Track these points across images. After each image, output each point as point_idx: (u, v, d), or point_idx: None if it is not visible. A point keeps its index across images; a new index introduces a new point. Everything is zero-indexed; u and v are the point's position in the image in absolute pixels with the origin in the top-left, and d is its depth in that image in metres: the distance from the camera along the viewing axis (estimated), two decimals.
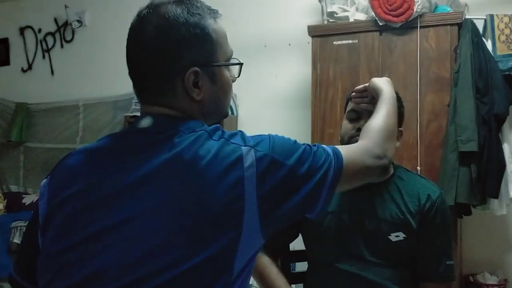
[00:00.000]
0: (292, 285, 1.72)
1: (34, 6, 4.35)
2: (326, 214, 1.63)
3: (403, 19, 2.82)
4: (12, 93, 4.34)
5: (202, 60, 0.98)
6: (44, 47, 4.36)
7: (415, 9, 2.78)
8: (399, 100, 1.67)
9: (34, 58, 4.39)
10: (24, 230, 3.62)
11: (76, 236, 0.91)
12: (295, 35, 3.44)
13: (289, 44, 3.54)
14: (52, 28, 4.32)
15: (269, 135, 0.98)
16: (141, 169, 0.91)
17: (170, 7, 0.97)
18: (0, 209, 4.03)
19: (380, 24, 2.88)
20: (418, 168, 2.73)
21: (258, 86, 3.54)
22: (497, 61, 2.69)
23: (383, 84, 1.42)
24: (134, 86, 1.03)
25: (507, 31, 2.74)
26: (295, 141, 1.01)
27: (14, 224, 3.77)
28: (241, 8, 3.64)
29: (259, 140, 0.96)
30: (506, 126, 2.77)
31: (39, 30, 4.36)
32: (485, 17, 2.81)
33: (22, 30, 4.42)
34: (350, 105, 1.66)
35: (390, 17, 2.84)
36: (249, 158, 0.91)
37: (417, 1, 2.78)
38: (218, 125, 1.00)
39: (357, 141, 1.21)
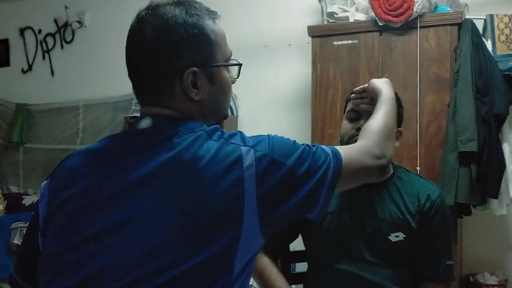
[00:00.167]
0: (292, 286, 1.72)
1: (34, 7, 4.35)
2: (326, 214, 1.63)
3: (403, 19, 2.82)
4: (12, 94, 4.34)
5: (201, 60, 0.98)
6: (44, 48, 4.36)
7: (415, 9, 2.78)
8: (398, 100, 1.67)
9: (34, 59, 4.39)
10: (24, 231, 3.64)
11: (76, 237, 0.91)
12: (295, 36, 3.44)
13: (289, 45, 3.54)
14: (52, 29, 4.32)
15: (269, 136, 0.98)
16: (141, 170, 0.92)
17: (168, 8, 0.98)
18: (0, 210, 4.03)
19: (380, 24, 2.88)
20: (418, 168, 2.73)
21: (258, 87, 3.54)
22: (497, 61, 2.69)
23: (382, 85, 1.42)
24: (134, 87, 1.03)
25: (507, 31, 2.74)
26: (295, 141, 1.01)
27: (14, 225, 3.78)
28: (241, 8, 3.64)
29: (258, 140, 0.96)
30: (506, 126, 2.77)
31: (39, 31, 4.36)
32: (485, 17, 2.81)
33: (22, 31, 4.42)
34: (350, 105, 1.66)
35: (390, 17, 2.84)
36: (249, 158, 0.92)
37: (417, 1, 2.78)
38: (217, 125, 1.00)
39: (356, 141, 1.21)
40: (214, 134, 0.96)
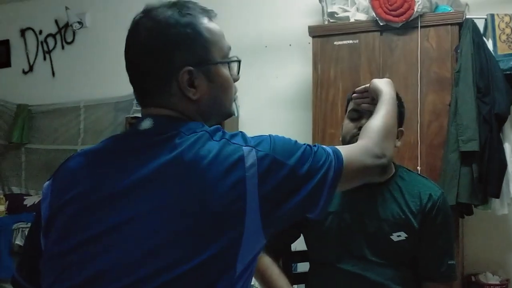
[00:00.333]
0: (294, 286, 1.72)
1: (34, 7, 4.36)
2: (327, 214, 1.64)
3: (404, 19, 2.82)
4: (13, 95, 4.34)
5: (196, 59, 0.99)
6: (45, 48, 4.36)
7: (415, 9, 2.78)
8: (399, 100, 1.68)
9: (35, 60, 4.40)
10: (26, 232, 3.64)
11: (77, 238, 0.92)
12: (296, 36, 3.44)
13: (290, 45, 3.54)
14: (53, 29, 4.32)
15: (270, 136, 0.99)
16: (142, 170, 0.92)
17: (161, 10, 0.99)
18: (2, 211, 4.03)
19: (381, 24, 2.88)
20: (418, 168, 2.73)
21: (259, 87, 3.54)
22: (498, 61, 2.69)
23: (383, 85, 1.42)
24: (134, 90, 1.04)
25: (508, 31, 2.74)
26: (296, 141, 1.01)
27: (15, 225, 3.78)
28: (241, 8, 3.64)
29: (260, 140, 0.96)
30: (507, 126, 2.76)
31: (40, 32, 4.37)
32: (485, 16, 2.81)
33: (23, 32, 4.43)
34: (351, 105, 1.66)
35: (391, 17, 2.84)
36: (251, 158, 0.92)
37: (418, 1, 2.78)
38: (219, 126, 1.00)
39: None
40: (215, 135, 0.96)
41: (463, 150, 2.56)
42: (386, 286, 1.57)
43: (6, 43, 4.47)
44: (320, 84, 3.02)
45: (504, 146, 2.68)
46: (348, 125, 1.66)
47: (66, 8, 4.11)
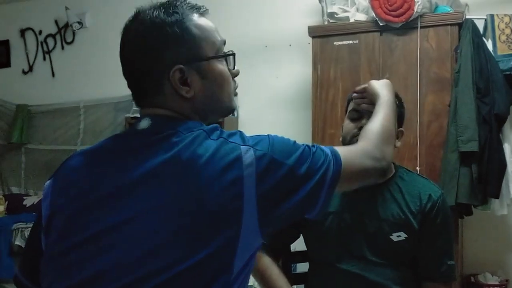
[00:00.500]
0: (293, 286, 1.72)
1: (34, 8, 4.36)
2: (327, 214, 1.64)
3: (404, 19, 2.82)
4: (12, 95, 4.34)
5: (186, 57, 0.98)
6: (45, 48, 4.36)
7: (415, 9, 2.78)
8: (399, 100, 1.68)
9: (34, 60, 4.40)
10: (25, 232, 3.64)
11: (77, 237, 0.92)
12: (296, 36, 3.44)
13: (290, 45, 3.54)
14: (53, 29, 4.32)
15: (269, 135, 0.98)
16: (140, 170, 0.92)
17: (148, 12, 1.00)
18: (1, 211, 4.03)
19: (381, 24, 2.88)
20: (418, 168, 2.73)
21: (258, 87, 3.54)
22: (498, 61, 2.69)
23: (380, 88, 1.41)
24: (131, 92, 1.05)
25: (507, 31, 2.74)
26: (295, 141, 1.01)
27: (15, 225, 3.77)
28: (241, 9, 3.64)
29: (258, 139, 0.96)
30: (507, 126, 2.76)
31: (40, 32, 4.37)
32: (485, 17, 2.81)
33: (22, 32, 4.43)
34: (352, 105, 1.66)
35: (391, 17, 2.84)
36: (248, 157, 0.91)
37: (418, 1, 2.78)
38: (217, 125, 1.00)
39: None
40: (213, 133, 0.96)
41: (462, 150, 2.56)
42: (386, 286, 1.58)
43: (6, 43, 4.47)
44: (320, 84, 3.03)
45: (503, 146, 2.68)
46: (348, 125, 1.66)
47: (66, 8, 4.11)
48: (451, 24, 2.79)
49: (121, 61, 1.03)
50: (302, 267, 1.95)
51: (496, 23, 2.76)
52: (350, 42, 2.97)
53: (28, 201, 4.02)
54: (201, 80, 1.00)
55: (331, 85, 3.00)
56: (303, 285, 1.85)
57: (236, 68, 1.08)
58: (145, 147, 0.95)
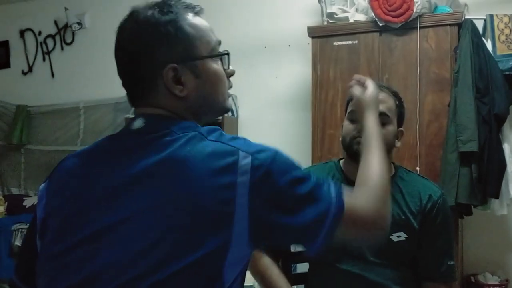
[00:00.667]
0: (293, 286, 1.72)
1: (34, 8, 4.36)
2: None
3: (403, 20, 2.82)
4: (12, 96, 4.34)
5: (180, 56, 0.98)
6: (45, 49, 4.36)
7: (414, 10, 2.79)
8: (399, 100, 1.68)
9: (34, 61, 4.40)
10: (25, 232, 3.64)
11: (74, 238, 0.92)
12: (295, 36, 3.44)
13: (289, 45, 3.54)
14: (52, 30, 4.32)
15: (275, 149, 0.94)
16: (135, 169, 0.92)
17: (142, 11, 1.00)
18: (1, 212, 4.03)
19: (380, 24, 2.88)
20: (417, 168, 2.73)
21: (258, 87, 3.54)
22: (497, 61, 2.69)
23: (366, 116, 1.32)
24: (126, 92, 1.04)
25: (507, 31, 2.74)
26: (300, 165, 0.96)
27: (15, 226, 3.78)
28: (241, 9, 3.64)
29: (262, 149, 0.93)
30: (506, 126, 2.77)
31: (39, 33, 4.37)
32: (484, 17, 2.81)
33: (22, 33, 4.43)
34: (351, 106, 1.66)
35: (390, 18, 2.84)
36: (245, 165, 0.89)
37: (417, 2, 2.78)
38: (217, 126, 0.99)
39: (359, 142, 1.19)
40: (210, 135, 0.95)
41: (462, 150, 2.57)
42: (386, 286, 1.57)
43: (5, 44, 4.47)
44: (320, 84, 3.03)
45: (503, 146, 2.69)
46: (348, 126, 1.66)
47: (66, 9, 4.11)
48: (450, 24, 2.79)
49: (116, 60, 1.03)
50: (302, 267, 1.95)
51: (495, 23, 2.77)
52: (350, 42, 2.97)
53: (28, 202, 4.03)
54: (195, 79, 1.00)
55: (331, 85, 3.01)
56: (303, 285, 1.84)
57: (231, 68, 1.07)
58: (140, 147, 0.95)
